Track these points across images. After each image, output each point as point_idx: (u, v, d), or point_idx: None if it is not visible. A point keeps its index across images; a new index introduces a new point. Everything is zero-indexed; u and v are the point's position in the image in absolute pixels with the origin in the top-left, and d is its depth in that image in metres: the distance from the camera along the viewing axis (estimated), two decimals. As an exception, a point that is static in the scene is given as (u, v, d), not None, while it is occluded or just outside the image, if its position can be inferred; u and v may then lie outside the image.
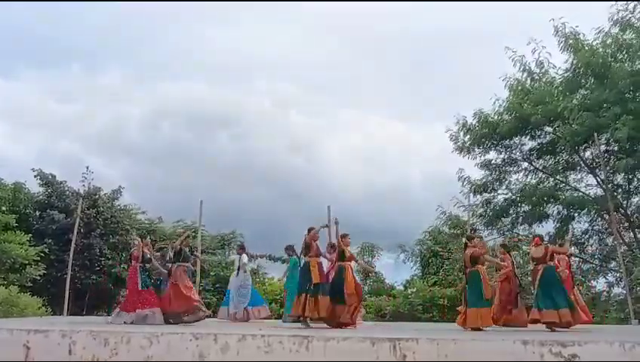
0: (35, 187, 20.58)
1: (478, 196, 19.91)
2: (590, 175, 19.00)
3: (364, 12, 53.37)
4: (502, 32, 39.32)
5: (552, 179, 19.47)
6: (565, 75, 18.10)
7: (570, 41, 17.70)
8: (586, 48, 17.25)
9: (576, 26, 17.86)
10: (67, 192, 20.19)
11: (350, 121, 53.73)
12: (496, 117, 18.92)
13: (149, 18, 54.95)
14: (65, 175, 20.93)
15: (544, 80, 18.64)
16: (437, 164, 44.87)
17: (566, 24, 17.82)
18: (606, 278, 18.72)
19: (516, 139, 19.42)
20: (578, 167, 19.38)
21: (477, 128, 19.15)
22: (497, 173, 20.00)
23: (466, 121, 19.33)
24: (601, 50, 17.06)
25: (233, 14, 57.41)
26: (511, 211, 19.86)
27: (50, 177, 20.29)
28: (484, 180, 19.84)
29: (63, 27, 52.09)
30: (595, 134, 15.29)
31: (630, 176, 17.69)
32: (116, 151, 46.04)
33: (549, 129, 18.56)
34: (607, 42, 17.14)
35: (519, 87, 18.64)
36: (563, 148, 18.12)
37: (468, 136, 19.42)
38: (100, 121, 47.26)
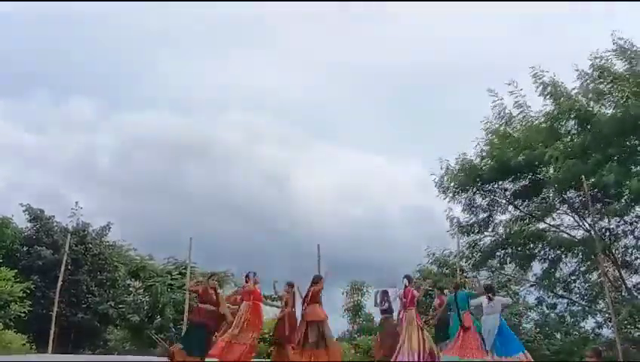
0: (20, 222, 20.41)
1: (465, 237, 20.00)
2: (576, 217, 19.20)
3: (344, 48, 54.25)
4: (486, 67, 40.32)
5: (538, 221, 19.63)
6: (546, 121, 18.22)
7: (549, 89, 18.04)
8: (565, 95, 17.56)
9: (554, 75, 18.01)
10: (55, 228, 20.03)
11: (329, 155, 54.06)
12: (478, 160, 19.10)
13: (129, 49, 55.10)
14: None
15: (524, 124, 18.83)
16: (417, 198, 45.12)
17: (545, 72, 18.05)
18: (595, 318, 18.79)
19: (499, 184, 19.64)
20: (563, 210, 19.57)
21: (460, 174, 19.35)
22: (483, 215, 20.14)
23: (448, 167, 19.54)
24: (582, 98, 17.28)
25: (219, 49, 57.97)
26: (498, 253, 19.98)
27: (38, 212, 20.14)
28: (469, 222, 19.95)
29: (29, 53, 50.45)
30: (584, 178, 15.26)
31: (617, 220, 17.85)
32: (88, 183, 45.20)
33: (531, 174, 18.72)
34: (590, 87, 17.44)
35: (500, 133, 18.88)
36: (550, 192, 18.19)
37: (452, 183, 19.61)
38: (71, 152, 46.69)
